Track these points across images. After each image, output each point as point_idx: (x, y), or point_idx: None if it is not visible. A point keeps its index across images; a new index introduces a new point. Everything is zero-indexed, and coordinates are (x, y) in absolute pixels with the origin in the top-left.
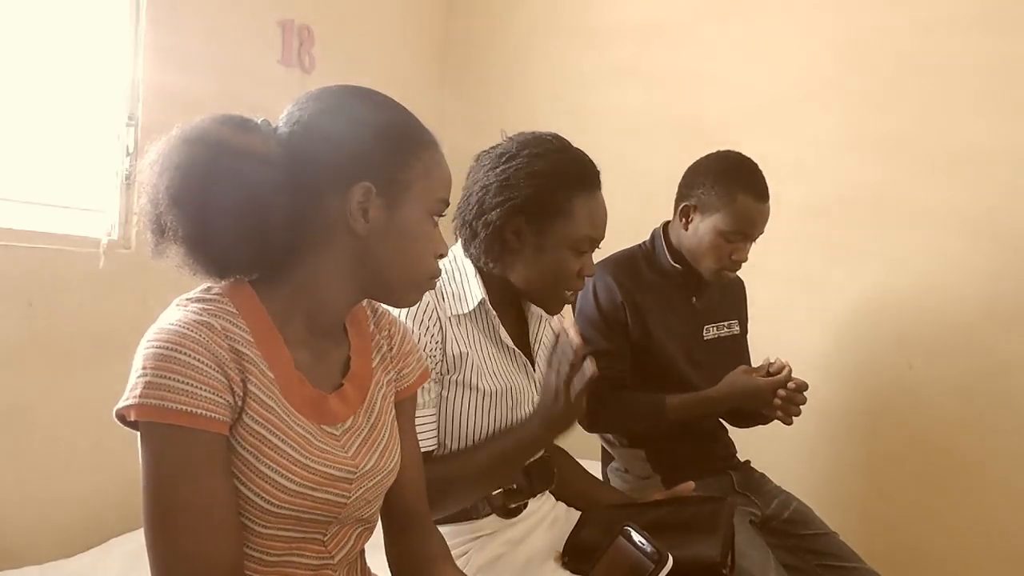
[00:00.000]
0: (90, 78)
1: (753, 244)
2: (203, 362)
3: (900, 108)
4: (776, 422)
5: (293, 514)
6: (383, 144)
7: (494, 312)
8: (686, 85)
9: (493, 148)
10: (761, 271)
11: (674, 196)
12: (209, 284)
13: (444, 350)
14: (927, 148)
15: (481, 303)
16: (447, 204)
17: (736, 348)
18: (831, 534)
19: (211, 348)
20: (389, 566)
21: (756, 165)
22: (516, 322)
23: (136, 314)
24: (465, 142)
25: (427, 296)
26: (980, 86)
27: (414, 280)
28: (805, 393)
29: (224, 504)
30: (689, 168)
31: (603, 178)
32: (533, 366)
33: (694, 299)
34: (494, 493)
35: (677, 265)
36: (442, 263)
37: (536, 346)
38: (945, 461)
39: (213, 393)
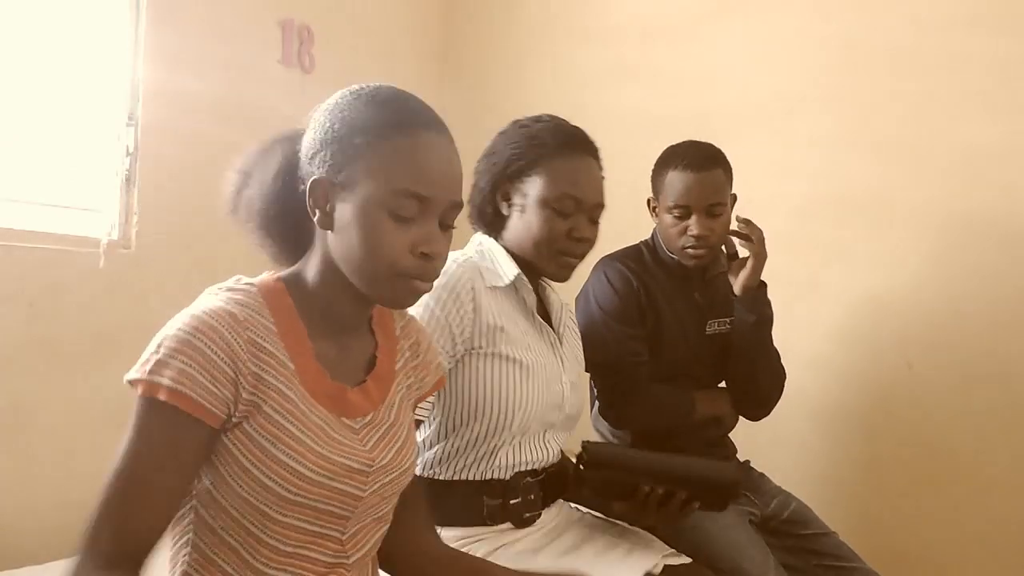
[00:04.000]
0: (90, 78)
1: (715, 220)
2: (216, 352)
3: (900, 108)
4: (777, 422)
5: (310, 503)
6: (336, 137)
7: (530, 286)
8: (686, 85)
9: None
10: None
11: None
12: (241, 276)
13: (477, 319)
14: (927, 148)
15: (517, 277)
16: (417, 199)
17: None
18: (831, 534)
19: (227, 339)
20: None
21: (695, 142)
22: (538, 301)
23: (136, 314)
24: (465, 141)
25: (465, 270)
26: (980, 86)
27: (376, 276)
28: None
29: (173, 494)
30: None
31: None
32: (560, 342)
33: (696, 294)
34: (512, 502)
35: (674, 257)
36: (471, 247)
37: (560, 327)
38: (945, 461)
39: (214, 384)
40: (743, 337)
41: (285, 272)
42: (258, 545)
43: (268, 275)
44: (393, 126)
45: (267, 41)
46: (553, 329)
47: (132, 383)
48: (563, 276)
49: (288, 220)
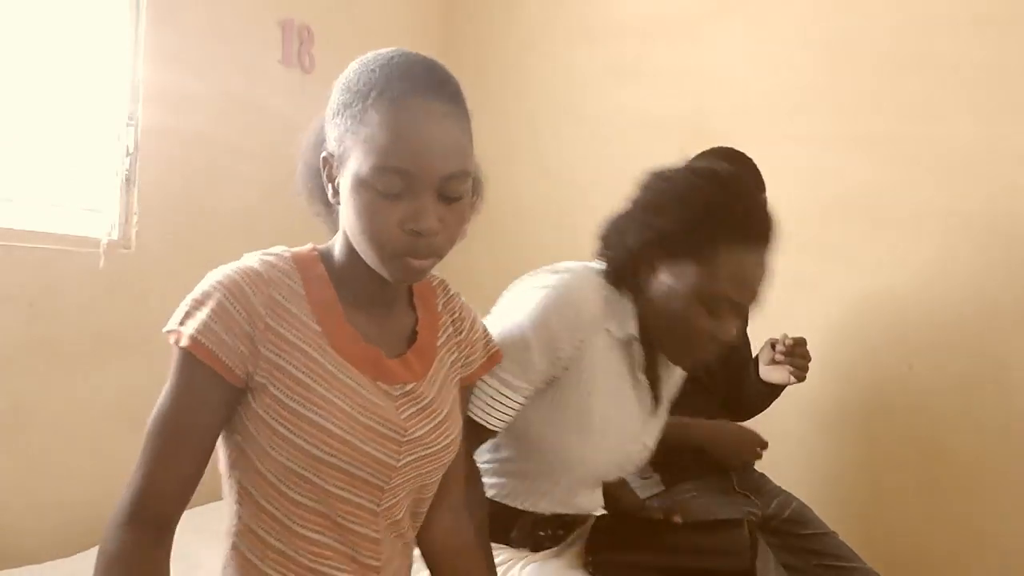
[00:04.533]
0: (90, 78)
1: None
2: (234, 306)
3: (900, 108)
4: (777, 421)
5: (342, 466)
6: (341, 107)
7: (642, 352)
8: (686, 85)
9: (669, 167)
10: None
11: None
12: (283, 247)
13: (582, 353)
14: (927, 148)
15: (630, 339)
16: (398, 174)
17: (738, 343)
18: (831, 534)
19: (247, 294)
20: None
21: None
22: (649, 362)
23: (136, 314)
24: None
25: (597, 301)
26: (979, 86)
27: (371, 255)
28: (804, 397)
29: (197, 450)
30: None
31: (603, 178)
32: (656, 404)
33: None
34: (539, 534)
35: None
36: (605, 286)
37: (665, 388)
38: (945, 461)
39: (230, 337)
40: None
41: (324, 244)
42: (296, 508)
43: (304, 246)
44: (381, 93)
45: (267, 41)
46: (655, 393)
47: (167, 333)
48: (685, 369)
49: (320, 196)
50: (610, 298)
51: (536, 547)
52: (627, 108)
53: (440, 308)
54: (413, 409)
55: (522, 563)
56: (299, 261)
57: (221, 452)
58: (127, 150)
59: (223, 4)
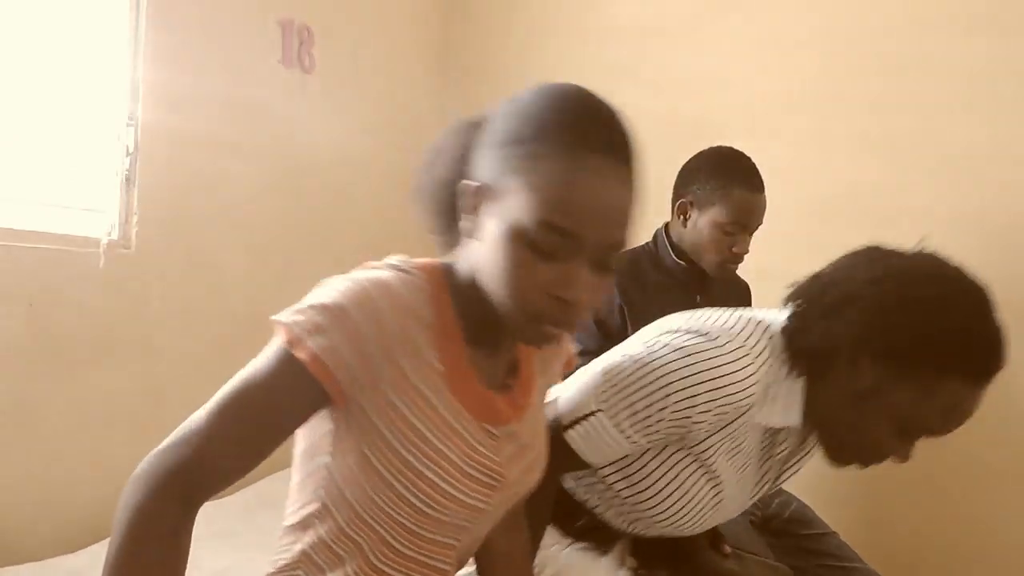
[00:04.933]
0: (90, 78)
1: (753, 244)
2: (370, 330)
3: (900, 108)
4: None
5: (440, 517)
6: (504, 138)
7: (792, 441)
8: (686, 85)
9: (875, 250)
10: (761, 272)
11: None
12: (406, 257)
13: (710, 431)
14: (928, 147)
15: (784, 431)
16: (561, 234)
17: None
18: (831, 534)
19: (386, 321)
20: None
21: (749, 158)
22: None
23: (136, 314)
24: None
25: (757, 383)
26: (979, 86)
27: (507, 309)
28: None
29: (262, 447)
30: (684, 165)
31: None
32: (776, 480)
33: (698, 297)
34: (606, 543)
35: (681, 262)
36: (770, 362)
37: (787, 469)
38: (945, 460)
39: (356, 361)
40: None
41: (446, 262)
42: (379, 542)
43: (430, 261)
44: (557, 142)
45: (267, 41)
46: (778, 477)
47: (276, 326)
48: (841, 466)
49: (446, 215)
50: (773, 379)
51: (586, 541)
52: (627, 108)
53: None
54: (511, 449)
55: (567, 550)
56: (432, 284)
57: (301, 463)
58: (127, 150)
59: (223, 4)
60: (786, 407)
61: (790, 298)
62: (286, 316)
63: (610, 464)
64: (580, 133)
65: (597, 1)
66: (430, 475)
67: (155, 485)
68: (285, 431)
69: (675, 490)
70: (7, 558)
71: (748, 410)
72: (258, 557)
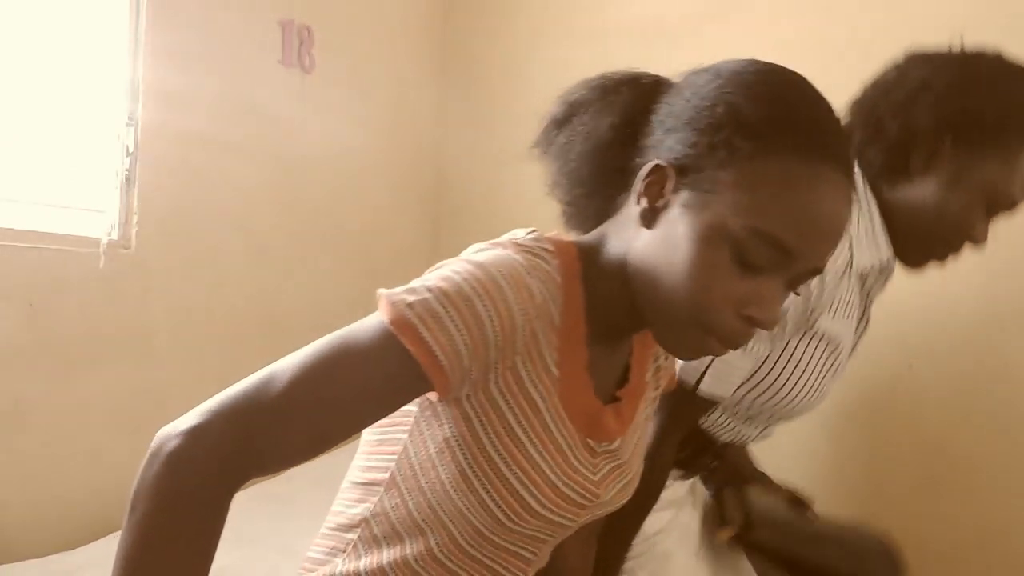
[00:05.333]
0: (90, 78)
1: None
2: (493, 326)
3: None
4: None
5: (524, 532)
6: (714, 124)
7: (892, 272)
8: None
9: (916, 53)
10: None
11: None
12: (538, 232)
13: (824, 313)
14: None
15: (883, 263)
16: (777, 249)
17: None
18: None
19: (512, 318)
20: None
21: None
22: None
23: (136, 314)
24: (465, 142)
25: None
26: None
27: (674, 313)
28: None
29: (337, 430)
30: None
31: None
32: (866, 324)
33: None
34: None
35: None
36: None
37: (871, 302)
38: (945, 461)
39: (470, 358)
40: None
41: (582, 241)
42: (454, 547)
43: (566, 240)
44: (793, 147)
45: (267, 41)
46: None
47: (383, 303)
48: (919, 269)
49: (599, 180)
50: (854, 223)
51: (686, 469)
52: None
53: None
54: (609, 467)
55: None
56: (565, 272)
57: (374, 451)
58: (127, 150)
59: (223, 4)
60: (872, 242)
61: (849, 113)
62: (397, 295)
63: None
64: (823, 141)
65: (597, 1)
66: (518, 487)
67: (209, 449)
68: (368, 419)
69: (800, 372)
70: (7, 556)
71: (852, 263)
72: (257, 556)
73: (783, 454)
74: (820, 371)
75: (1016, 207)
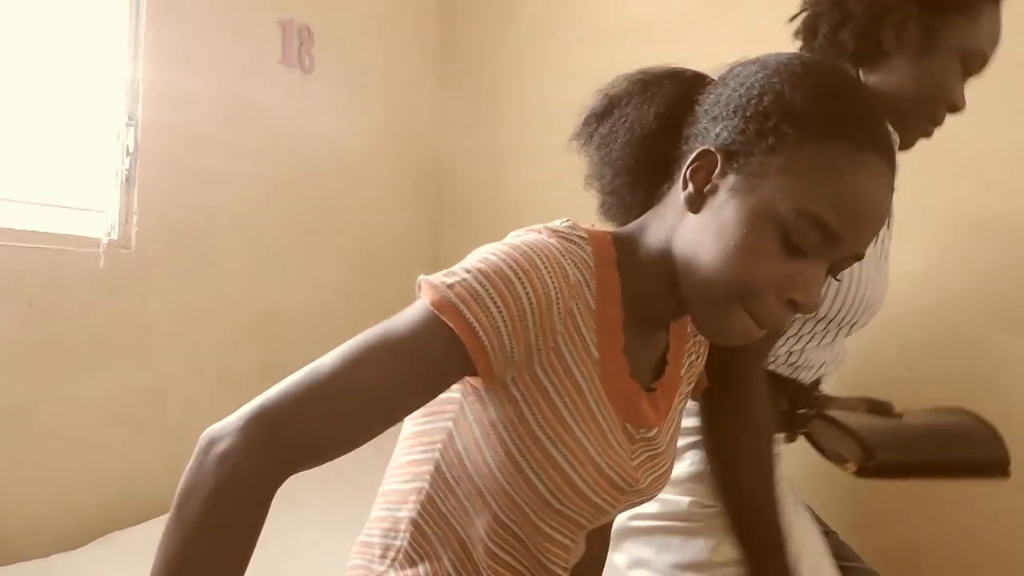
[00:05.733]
0: (90, 78)
1: None
2: (532, 305)
3: None
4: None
5: (568, 513)
6: (761, 112)
7: None
8: None
9: None
10: None
11: None
12: (572, 222)
13: None
14: (928, 147)
15: None
16: (823, 232)
17: None
18: (831, 533)
19: (550, 297)
20: None
21: None
22: None
23: (136, 314)
24: (465, 142)
25: None
26: (980, 86)
27: (715, 293)
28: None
29: (380, 419)
30: None
31: None
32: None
33: None
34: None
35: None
36: None
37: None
38: None
39: (511, 339)
40: None
41: (619, 231)
42: (499, 527)
43: (599, 230)
44: (841, 135)
45: (267, 41)
46: None
47: (424, 287)
48: (908, 145)
49: (643, 169)
50: None
51: (788, 428)
52: None
53: (690, 328)
54: (645, 456)
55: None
56: (599, 258)
57: (416, 443)
58: (127, 150)
59: (223, 4)
60: None
61: (810, 4)
62: (436, 279)
63: None
64: (870, 130)
65: (597, 1)
66: (564, 465)
67: (260, 447)
68: (413, 403)
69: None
70: (7, 556)
71: None
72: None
73: (783, 454)
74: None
75: (988, 62)
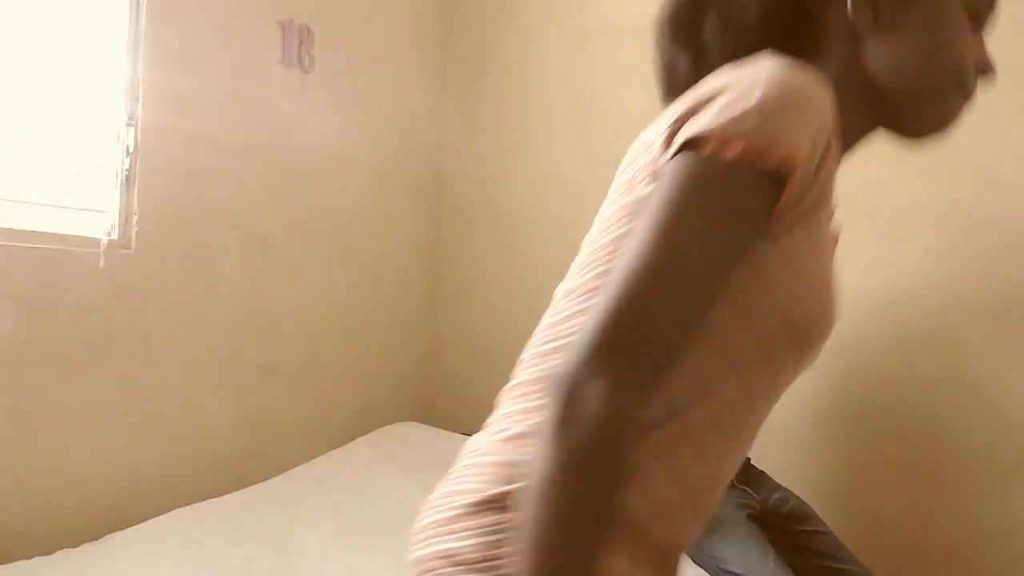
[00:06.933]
0: (90, 78)
1: None
2: (825, 125)
3: None
4: (777, 421)
5: (805, 358)
6: None
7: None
8: None
9: None
10: None
11: None
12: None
13: None
14: (927, 148)
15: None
16: (990, 5)
17: None
18: (829, 533)
19: (830, 118)
20: None
21: None
22: None
23: (136, 314)
24: (465, 142)
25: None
26: (980, 86)
27: (937, 87)
28: (804, 396)
29: (710, 295)
30: None
31: (603, 177)
32: None
33: None
34: None
35: None
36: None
37: None
38: (945, 461)
39: (810, 159)
40: None
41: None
42: (737, 399)
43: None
44: None
45: (267, 41)
46: None
47: (702, 141)
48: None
49: (791, 18)
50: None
51: None
52: (627, 108)
53: None
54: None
55: None
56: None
57: None
58: (127, 150)
59: (223, 4)
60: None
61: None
62: (729, 126)
63: None
64: None
65: (597, 1)
66: (820, 296)
67: (577, 381)
68: (726, 270)
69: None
70: (7, 556)
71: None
72: (257, 556)
73: (783, 454)
74: None
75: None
